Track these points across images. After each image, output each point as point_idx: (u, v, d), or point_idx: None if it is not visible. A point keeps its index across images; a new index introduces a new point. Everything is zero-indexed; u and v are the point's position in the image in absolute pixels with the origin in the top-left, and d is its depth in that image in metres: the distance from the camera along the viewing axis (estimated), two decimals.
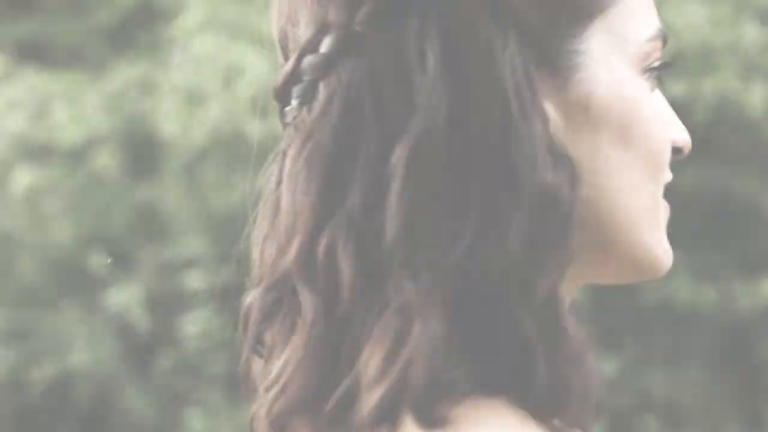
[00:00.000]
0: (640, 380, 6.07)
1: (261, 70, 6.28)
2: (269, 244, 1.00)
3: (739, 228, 6.29)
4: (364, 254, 0.93)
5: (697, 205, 6.17)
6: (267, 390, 0.95)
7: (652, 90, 1.03)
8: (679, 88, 5.56)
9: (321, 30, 0.96)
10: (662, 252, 1.04)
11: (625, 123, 1.00)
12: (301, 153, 0.95)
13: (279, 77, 0.99)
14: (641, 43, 1.01)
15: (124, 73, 7.46)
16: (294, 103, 0.99)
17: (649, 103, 1.02)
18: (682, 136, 1.06)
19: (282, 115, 1.01)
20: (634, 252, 1.03)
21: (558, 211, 0.93)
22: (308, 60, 0.97)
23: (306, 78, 0.98)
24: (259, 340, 1.01)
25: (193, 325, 7.22)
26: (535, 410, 0.91)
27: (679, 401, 6.26)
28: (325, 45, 0.96)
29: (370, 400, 0.89)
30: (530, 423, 0.91)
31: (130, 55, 7.72)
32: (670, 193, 1.05)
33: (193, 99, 6.63)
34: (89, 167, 7.48)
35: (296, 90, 0.99)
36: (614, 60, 1.00)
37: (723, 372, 6.33)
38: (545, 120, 0.95)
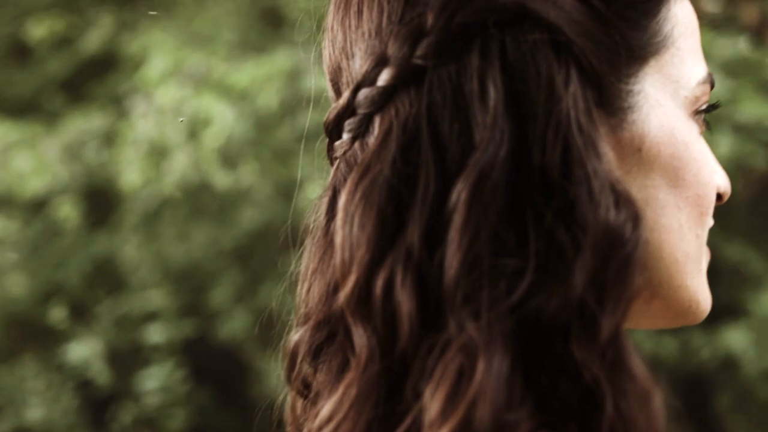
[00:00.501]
0: None
1: (228, 120, 6.25)
2: (318, 280, 0.99)
3: None
4: (424, 291, 0.91)
5: None
6: (318, 430, 0.93)
7: (701, 133, 1.02)
8: None
9: (379, 63, 0.95)
10: (704, 298, 1.03)
11: (676, 165, 0.98)
12: (358, 187, 0.93)
13: (332, 110, 1.00)
14: (692, 87, 1.01)
15: (83, 124, 7.39)
16: (346, 137, 0.98)
17: (698, 147, 1.01)
18: (724, 182, 1.05)
19: (330, 149, 1.01)
20: (679, 295, 1.01)
21: (622, 251, 0.90)
22: (364, 93, 0.96)
23: (361, 111, 0.96)
24: (306, 380, 1.01)
25: (153, 379, 7.10)
26: None
27: None
28: (383, 78, 0.95)
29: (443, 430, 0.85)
30: None
31: (89, 106, 7.66)
32: None
33: (156, 150, 6.56)
34: (47, 218, 7.39)
35: (349, 123, 0.98)
36: (667, 102, 0.99)
37: (682, 422, 6.35)
38: (606, 159, 0.93)
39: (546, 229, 0.90)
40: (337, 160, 1.00)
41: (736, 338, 5.86)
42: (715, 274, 6.24)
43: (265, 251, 7.26)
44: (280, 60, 6.52)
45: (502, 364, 0.87)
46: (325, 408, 0.94)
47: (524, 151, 0.92)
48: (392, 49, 0.95)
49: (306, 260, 1.03)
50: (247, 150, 6.45)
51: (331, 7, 1.03)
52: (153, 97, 6.73)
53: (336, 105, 0.99)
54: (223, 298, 7.20)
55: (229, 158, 6.39)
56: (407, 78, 0.94)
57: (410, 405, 0.89)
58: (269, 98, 6.36)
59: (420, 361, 0.89)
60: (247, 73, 6.48)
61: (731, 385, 6.16)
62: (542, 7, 0.93)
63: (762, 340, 5.88)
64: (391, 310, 0.91)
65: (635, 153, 0.97)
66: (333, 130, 1.00)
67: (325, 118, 1.01)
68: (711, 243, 1.00)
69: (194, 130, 6.36)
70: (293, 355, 1.01)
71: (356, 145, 0.97)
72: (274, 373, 6.90)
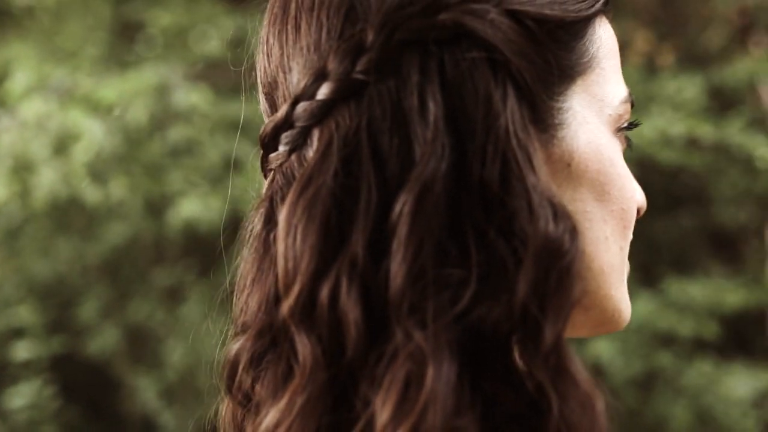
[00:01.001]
0: None
1: (97, 135, 6.21)
2: (257, 289, 1.00)
3: None
4: (369, 300, 0.93)
5: None
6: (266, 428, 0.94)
7: (623, 150, 1.08)
8: None
9: (318, 77, 0.98)
10: (625, 307, 1.08)
11: (602, 180, 1.03)
12: (300, 199, 0.95)
13: (268, 123, 1.01)
14: (615, 106, 1.06)
15: None
16: (282, 149, 1.01)
17: (621, 163, 1.06)
18: (641, 197, 1.11)
19: (265, 161, 1.03)
20: (603, 305, 1.05)
21: (562, 261, 0.94)
22: (303, 106, 0.98)
23: (299, 124, 0.99)
24: (246, 390, 1.01)
25: (21, 396, 7.00)
26: None
27: None
28: (323, 92, 0.97)
29: None
30: None
31: None
32: None
33: (21, 165, 6.48)
34: None
35: (286, 136, 1.00)
36: (593, 119, 1.04)
37: None
38: (542, 173, 0.97)
39: (487, 241, 0.93)
40: (273, 172, 1.02)
41: (603, 347, 5.99)
42: None
43: (134, 266, 7.24)
44: (147, 75, 6.51)
45: (450, 371, 0.89)
46: (270, 415, 0.94)
47: (464, 165, 0.95)
48: (332, 64, 0.97)
49: (243, 270, 1.03)
50: (116, 165, 6.41)
51: (267, 21, 1.05)
52: (17, 111, 6.64)
53: (273, 118, 1.00)
54: (91, 314, 7.14)
55: (98, 173, 6.34)
56: (347, 92, 0.96)
57: (359, 413, 0.91)
58: (138, 113, 6.34)
59: (368, 369, 0.91)
60: (113, 87, 6.45)
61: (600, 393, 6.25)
62: (480, 27, 0.96)
63: (627, 348, 6.03)
64: (337, 319, 0.92)
65: (565, 168, 1.01)
66: (269, 143, 1.01)
67: (261, 131, 1.02)
68: None
69: (61, 144, 6.29)
70: (234, 365, 1.01)
71: (293, 157, 0.99)
72: (146, 389, 6.89)
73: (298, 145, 1.00)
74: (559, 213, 0.95)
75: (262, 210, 1.02)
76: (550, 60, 1.01)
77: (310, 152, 0.98)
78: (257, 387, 1.00)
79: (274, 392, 0.97)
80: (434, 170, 0.93)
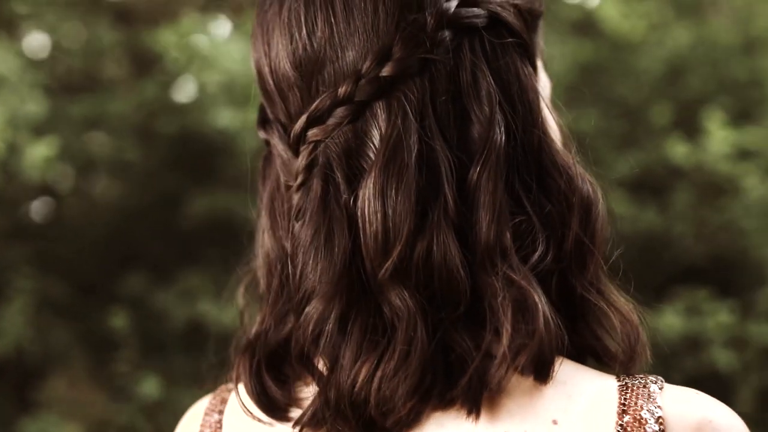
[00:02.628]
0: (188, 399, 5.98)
1: None
2: (321, 255, 1.12)
3: None
4: (465, 250, 1.11)
5: None
6: (362, 383, 1.09)
7: None
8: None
9: (383, 57, 1.12)
10: None
11: None
12: (389, 165, 1.09)
13: (324, 99, 1.14)
14: (547, 93, 1.28)
15: None
16: (332, 121, 1.13)
17: None
18: None
19: (303, 135, 1.16)
20: None
21: (596, 211, 1.17)
22: (366, 82, 1.12)
23: (357, 99, 1.12)
24: (316, 349, 1.13)
25: None
26: (613, 363, 1.17)
27: None
28: (387, 70, 1.12)
29: (519, 359, 1.09)
30: (609, 378, 1.14)
31: None
32: None
33: None
34: None
35: (341, 110, 1.13)
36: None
37: None
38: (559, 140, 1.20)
39: (534, 197, 1.14)
40: (313, 144, 1.14)
41: None
42: None
43: None
44: None
45: (543, 297, 1.10)
46: (366, 366, 1.09)
47: (510, 133, 1.14)
48: (397, 46, 1.12)
49: (293, 240, 1.15)
50: None
51: (299, 6, 1.17)
52: None
53: (330, 93, 1.13)
54: None
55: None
56: (412, 70, 1.12)
57: (467, 348, 1.10)
58: None
59: (472, 306, 1.10)
60: None
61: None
62: (509, 17, 1.17)
63: None
64: (434, 270, 1.09)
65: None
66: (320, 116, 1.14)
67: (313, 106, 1.14)
68: None
69: None
70: (306, 331, 1.13)
71: (346, 129, 1.13)
72: None
73: (353, 119, 1.13)
74: (582, 174, 1.17)
75: (315, 181, 1.14)
76: (538, 44, 1.24)
77: (378, 123, 1.12)
78: (327, 346, 1.12)
79: (360, 346, 1.11)
80: (498, 140, 1.12)
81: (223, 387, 1.29)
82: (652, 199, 6.87)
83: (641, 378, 1.13)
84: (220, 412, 1.26)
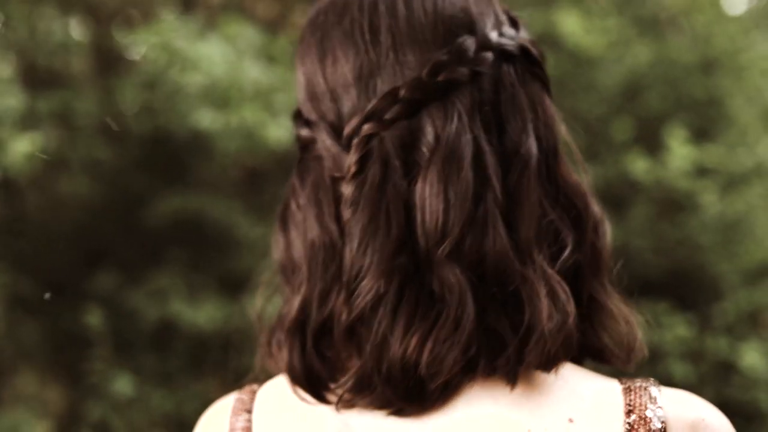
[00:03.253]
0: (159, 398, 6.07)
1: None
2: (377, 238, 1.25)
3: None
4: (510, 240, 1.24)
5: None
6: (413, 349, 1.21)
7: None
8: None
9: (438, 68, 1.27)
10: None
11: None
12: (449, 161, 1.24)
13: (383, 98, 1.28)
14: None
15: None
16: (388, 116, 1.27)
17: None
18: None
19: (357, 130, 1.28)
20: None
21: (603, 230, 1.33)
22: (420, 87, 1.27)
23: (415, 98, 1.27)
24: (362, 324, 1.24)
25: None
26: (614, 362, 1.31)
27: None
28: (443, 76, 1.27)
29: (551, 344, 1.22)
30: (612, 380, 1.27)
31: None
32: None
33: None
34: None
35: (395, 108, 1.27)
36: None
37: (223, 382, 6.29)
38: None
39: (555, 205, 1.28)
40: (367, 138, 1.27)
41: None
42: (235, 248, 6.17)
43: None
44: None
45: (567, 290, 1.24)
46: (416, 336, 1.21)
47: (540, 147, 1.28)
48: (452, 57, 1.28)
49: (345, 225, 1.27)
50: None
51: (361, 15, 1.32)
52: None
53: (389, 92, 1.27)
54: None
55: None
56: (462, 79, 1.27)
57: (511, 319, 1.23)
58: None
59: (514, 288, 1.23)
60: None
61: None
62: (535, 50, 1.34)
63: None
64: (486, 254, 1.22)
65: None
66: (377, 113, 1.27)
67: (371, 106, 1.28)
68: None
69: None
70: (358, 305, 1.24)
71: (401, 125, 1.27)
72: None
73: (408, 116, 1.27)
74: (592, 197, 1.33)
75: (373, 170, 1.27)
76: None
77: (433, 121, 1.27)
78: (379, 319, 1.23)
79: (412, 317, 1.23)
80: (533, 149, 1.27)
81: (247, 387, 1.35)
82: (612, 214, 6.86)
83: (641, 381, 1.26)
84: (249, 411, 1.31)
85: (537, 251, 1.24)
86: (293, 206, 1.33)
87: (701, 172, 6.94)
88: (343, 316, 1.24)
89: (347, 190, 1.27)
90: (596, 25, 7.37)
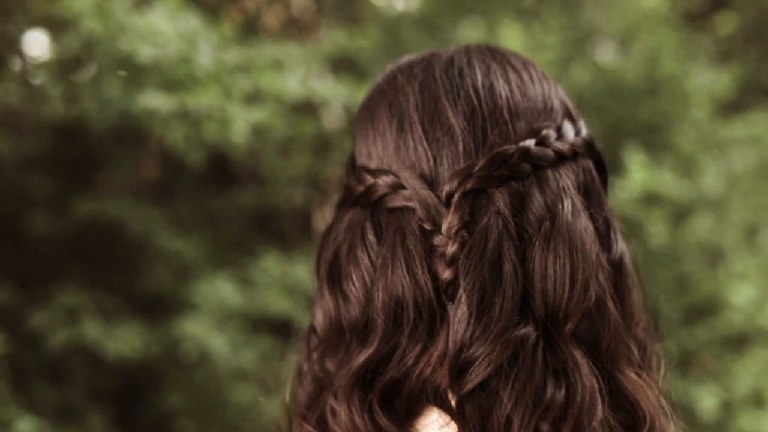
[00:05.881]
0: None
1: None
2: (497, 299, 1.25)
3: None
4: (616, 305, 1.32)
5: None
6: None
7: None
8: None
9: (541, 142, 1.37)
10: None
11: None
12: (562, 233, 1.28)
13: (493, 156, 1.32)
14: None
15: None
16: (497, 173, 1.31)
17: None
18: None
19: (464, 183, 1.29)
20: None
21: (628, 276, 1.42)
22: (539, 151, 1.35)
23: (533, 163, 1.36)
24: (456, 387, 1.24)
25: None
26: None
27: None
28: (556, 147, 1.37)
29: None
30: None
31: None
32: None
33: None
34: None
35: (504, 170, 1.32)
36: None
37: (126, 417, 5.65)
38: None
39: (607, 277, 1.35)
40: (475, 193, 1.29)
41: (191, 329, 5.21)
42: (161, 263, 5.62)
43: None
44: None
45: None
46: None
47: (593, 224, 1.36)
48: (558, 133, 1.39)
49: (470, 280, 1.25)
50: None
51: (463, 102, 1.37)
52: None
53: (497, 152, 1.33)
54: None
55: None
56: (569, 155, 1.37)
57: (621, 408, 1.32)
58: None
59: (623, 337, 1.36)
60: None
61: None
62: (583, 150, 1.42)
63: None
64: (601, 311, 1.31)
65: None
66: (481, 171, 1.31)
67: (478, 163, 1.32)
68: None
69: None
70: (459, 371, 1.22)
71: (511, 186, 1.31)
72: None
73: (516, 179, 1.33)
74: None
75: (483, 230, 1.27)
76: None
77: (543, 189, 1.33)
78: (485, 390, 1.23)
79: (522, 394, 1.23)
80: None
81: None
82: None
83: None
84: None
85: (636, 320, 1.39)
86: (351, 257, 1.32)
87: (650, 199, 6.56)
88: (429, 378, 1.24)
89: (448, 247, 1.26)
90: (540, 41, 7.01)
